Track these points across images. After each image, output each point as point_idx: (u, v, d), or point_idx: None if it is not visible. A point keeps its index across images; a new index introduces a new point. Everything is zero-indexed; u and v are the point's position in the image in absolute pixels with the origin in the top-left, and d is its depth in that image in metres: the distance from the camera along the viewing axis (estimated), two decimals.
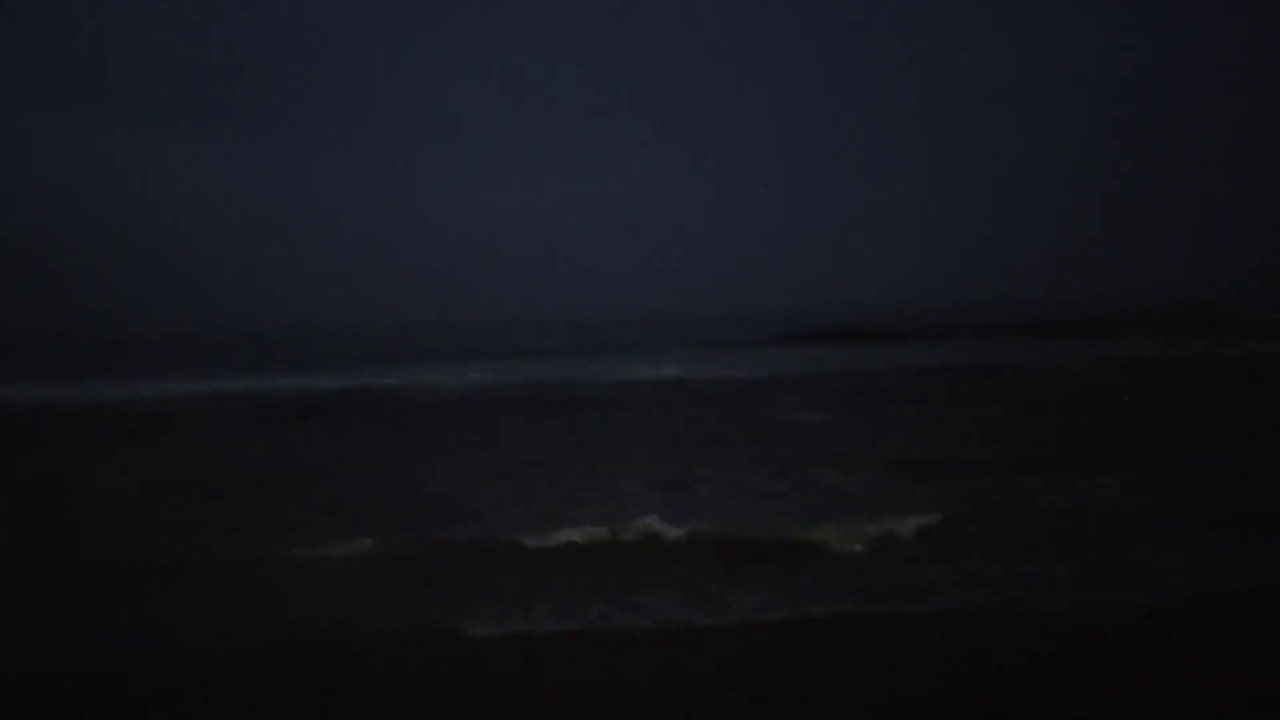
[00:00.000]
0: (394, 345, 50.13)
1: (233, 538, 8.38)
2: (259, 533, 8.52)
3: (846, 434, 13.96)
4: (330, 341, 59.52)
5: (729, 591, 6.74)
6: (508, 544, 7.78)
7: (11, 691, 5.44)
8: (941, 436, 13.34)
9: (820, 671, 5.53)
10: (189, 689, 5.24)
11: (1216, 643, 5.90)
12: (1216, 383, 19.47)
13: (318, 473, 11.88)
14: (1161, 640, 6.00)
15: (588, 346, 41.89)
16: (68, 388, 26.98)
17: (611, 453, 12.80)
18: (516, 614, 6.27)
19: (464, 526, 8.55)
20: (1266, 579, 6.93)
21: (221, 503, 10.17)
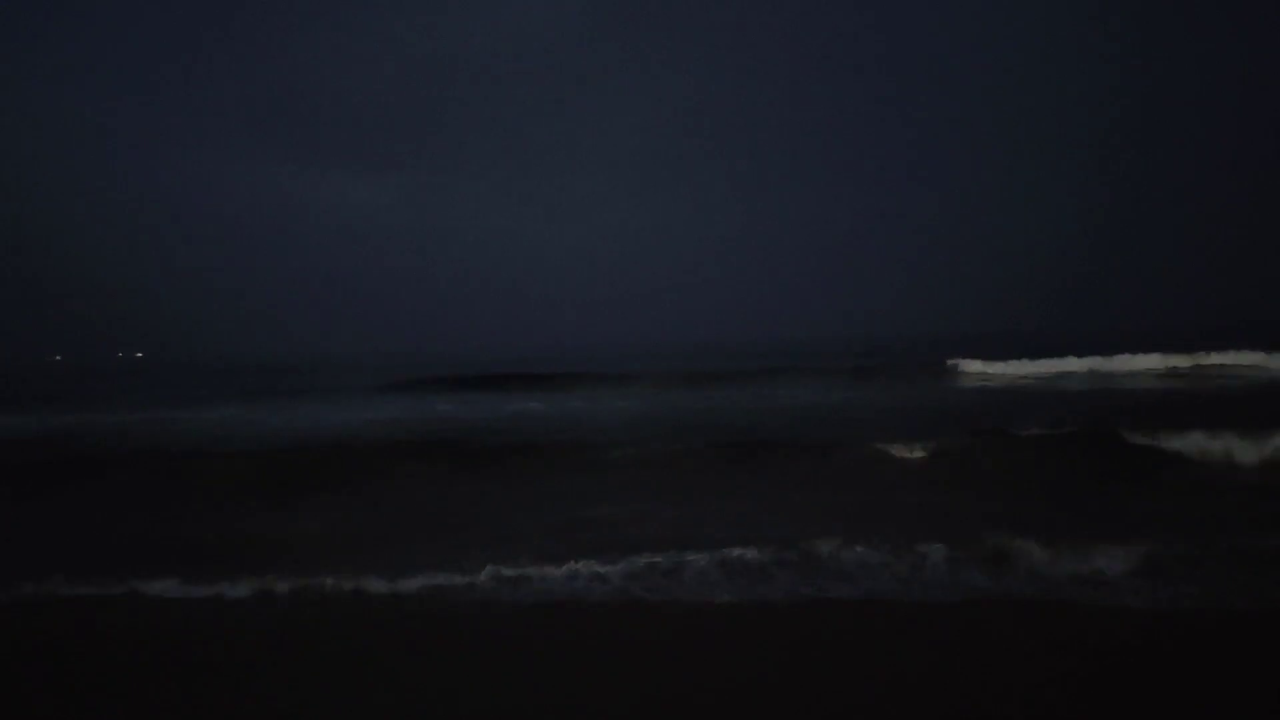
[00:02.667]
0: (536, 370, 49.80)
1: None
2: None
3: None
4: (474, 365, 60.53)
5: None
6: None
7: None
8: None
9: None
10: None
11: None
12: None
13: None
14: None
15: (726, 373, 41.72)
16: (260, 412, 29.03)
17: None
18: None
19: None
20: None
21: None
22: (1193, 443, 14.72)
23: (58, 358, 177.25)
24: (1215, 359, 36.59)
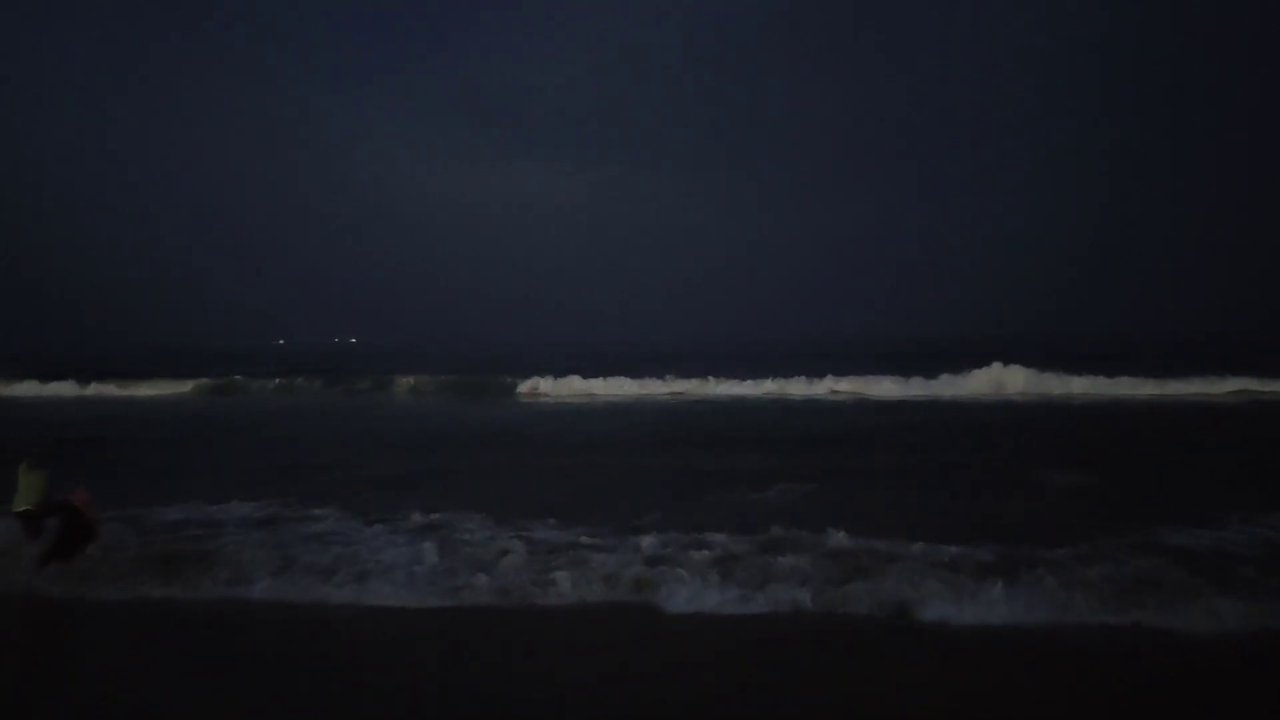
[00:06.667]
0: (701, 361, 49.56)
1: None
2: None
3: None
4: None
5: None
6: None
7: None
8: None
9: None
10: None
11: None
12: None
13: None
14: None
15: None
16: None
17: None
18: None
19: None
20: None
21: None
22: None
23: (280, 342, 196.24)
24: None
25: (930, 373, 34.84)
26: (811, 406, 29.24)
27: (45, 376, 40.88)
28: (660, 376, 37.08)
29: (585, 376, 37.61)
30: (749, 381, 35.87)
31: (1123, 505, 11.86)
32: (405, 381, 40.53)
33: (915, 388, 33.73)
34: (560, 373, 38.91)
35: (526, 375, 38.71)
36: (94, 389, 39.15)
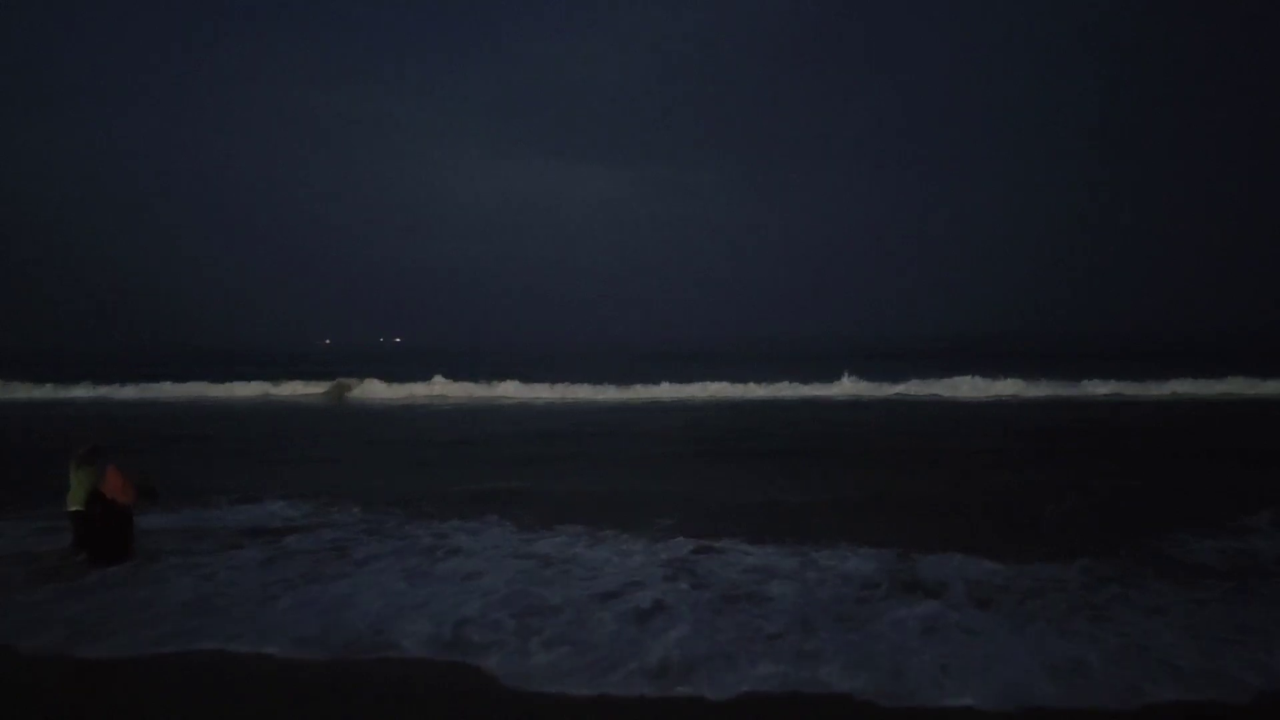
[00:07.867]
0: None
1: None
2: None
3: None
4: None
5: None
6: None
7: None
8: None
9: None
10: None
11: None
12: None
13: None
14: None
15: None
16: None
17: None
18: None
19: None
20: None
21: None
22: None
23: (327, 341, 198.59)
24: None
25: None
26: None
27: (105, 379, 41.37)
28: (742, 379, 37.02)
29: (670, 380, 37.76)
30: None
31: None
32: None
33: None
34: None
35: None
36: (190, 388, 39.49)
